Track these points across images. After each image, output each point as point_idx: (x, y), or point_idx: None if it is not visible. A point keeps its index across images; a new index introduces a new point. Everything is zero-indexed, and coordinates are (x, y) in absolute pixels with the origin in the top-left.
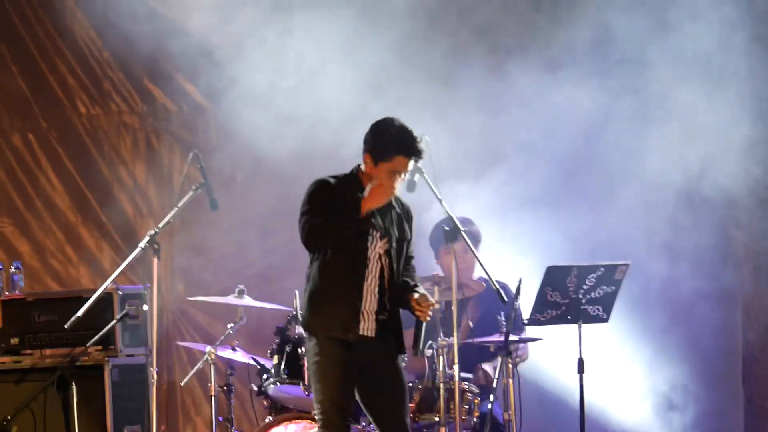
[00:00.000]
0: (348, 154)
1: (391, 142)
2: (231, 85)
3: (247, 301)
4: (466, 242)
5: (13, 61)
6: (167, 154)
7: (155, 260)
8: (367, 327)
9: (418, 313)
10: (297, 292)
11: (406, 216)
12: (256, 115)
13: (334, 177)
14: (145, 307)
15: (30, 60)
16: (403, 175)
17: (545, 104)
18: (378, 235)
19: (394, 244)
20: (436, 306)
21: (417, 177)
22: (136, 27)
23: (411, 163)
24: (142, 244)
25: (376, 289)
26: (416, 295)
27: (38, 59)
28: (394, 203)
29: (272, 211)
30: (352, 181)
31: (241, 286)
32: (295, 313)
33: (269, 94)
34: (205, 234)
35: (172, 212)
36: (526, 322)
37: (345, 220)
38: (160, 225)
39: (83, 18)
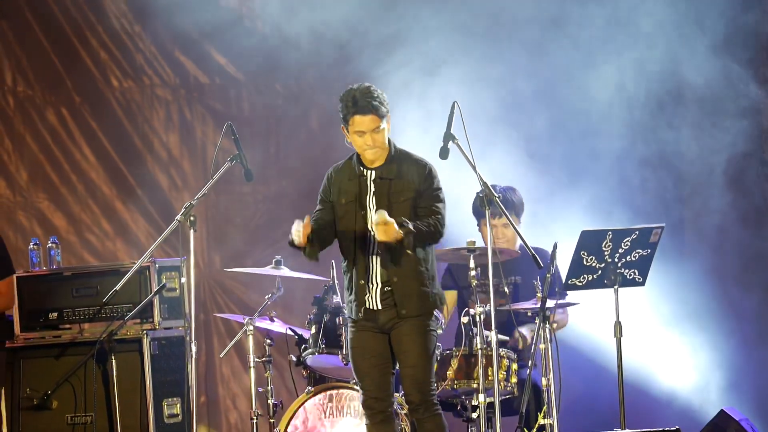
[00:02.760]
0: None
1: (344, 107)
2: (264, 56)
3: (284, 271)
4: (500, 208)
5: (45, 37)
6: (200, 126)
7: (191, 232)
8: (372, 300)
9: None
10: (333, 262)
11: (413, 171)
12: (289, 86)
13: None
14: (183, 280)
15: (62, 35)
16: (371, 133)
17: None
18: (361, 208)
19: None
20: (378, 219)
21: (450, 144)
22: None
23: (371, 118)
24: (178, 217)
25: (377, 260)
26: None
27: (70, 34)
28: (395, 164)
29: (307, 181)
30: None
31: (278, 257)
32: (332, 282)
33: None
34: (240, 205)
35: (208, 184)
36: (562, 286)
37: None
38: (196, 197)
39: None
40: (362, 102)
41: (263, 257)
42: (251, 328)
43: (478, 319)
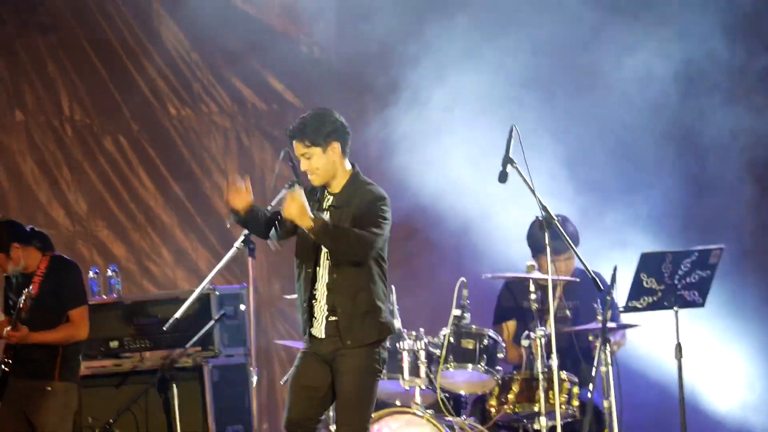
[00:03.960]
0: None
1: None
2: (320, 82)
3: None
4: (559, 231)
5: (103, 66)
6: (258, 153)
7: (250, 260)
8: (318, 327)
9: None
10: (393, 287)
11: (360, 200)
12: (347, 112)
13: None
14: (243, 307)
15: (119, 63)
16: (303, 159)
17: None
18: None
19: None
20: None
21: (509, 168)
22: (224, 27)
23: (298, 144)
24: (237, 244)
25: (324, 286)
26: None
27: (127, 62)
28: (348, 194)
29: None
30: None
31: None
32: (391, 308)
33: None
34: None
35: (266, 210)
36: (622, 309)
37: None
38: None
39: (171, 21)
40: (295, 127)
41: None
42: None
43: (539, 342)
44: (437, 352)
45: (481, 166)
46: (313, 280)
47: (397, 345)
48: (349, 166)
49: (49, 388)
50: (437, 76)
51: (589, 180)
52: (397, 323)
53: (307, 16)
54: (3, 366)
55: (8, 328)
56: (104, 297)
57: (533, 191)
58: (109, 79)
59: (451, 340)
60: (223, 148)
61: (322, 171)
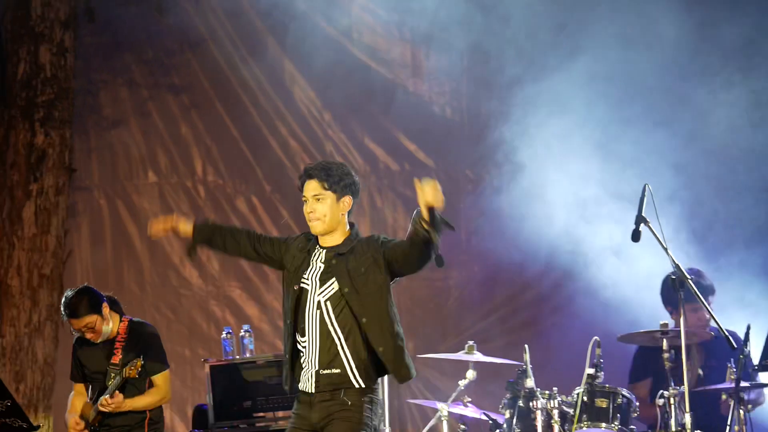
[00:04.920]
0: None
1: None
2: (453, 143)
3: (477, 356)
4: (693, 291)
5: (235, 126)
6: (391, 212)
7: None
8: (308, 382)
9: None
10: (526, 346)
11: (365, 247)
12: (478, 171)
13: None
14: None
15: (251, 124)
16: (312, 199)
17: None
18: (295, 283)
19: (345, 289)
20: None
21: (642, 226)
22: (357, 87)
23: (314, 183)
24: None
25: (317, 340)
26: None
27: (259, 123)
28: (350, 245)
29: (495, 266)
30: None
31: (471, 342)
32: (525, 367)
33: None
34: (431, 291)
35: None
36: (756, 367)
37: None
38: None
39: (303, 80)
40: (317, 166)
41: (456, 342)
42: (445, 413)
43: (672, 401)
44: (571, 411)
45: (615, 224)
46: (297, 328)
47: (531, 404)
48: (348, 226)
49: None
50: (563, 132)
51: (716, 236)
52: (531, 382)
53: (439, 77)
54: None
55: (105, 396)
56: (237, 357)
57: (666, 249)
58: (242, 139)
59: (585, 398)
60: (355, 208)
61: (328, 219)
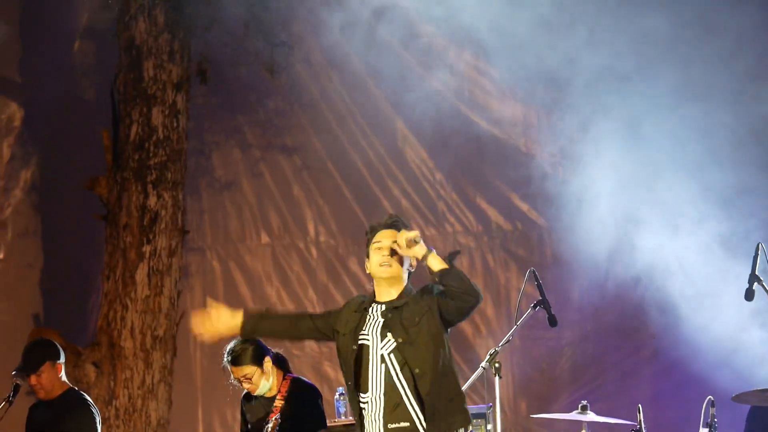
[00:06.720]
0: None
1: (371, 228)
2: (564, 202)
3: (591, 416)
4: None
5: (346, 186)
6: (503, 272)
7: (496, 379)
8: None
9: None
10: (640, 406)
11: (417, 299)
12: (591, 230)
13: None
14: (489, 427)
15: (363, 184)
16: (384, 248)
17: None
18: (353, 343)
19: (400, 339)
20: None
21: (756, 285)
22: (468, 148)
23: (392, 232)
24: (483, 363)
25: (382, 394)
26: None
27: (371, 183)
28: (404, 297)
29: (605, 326)
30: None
31: (584, 402)
32: (638, 427)
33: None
34: (544, 350)
35: (512, 330)
36: None
37: None
38: (500, 344)
39: (414, 140)
40: (401, 219)
41: (569, 402)
42: None
43: None
44: None
45: (730, 284)
46: (360, 390)
47: None
48: (405, 281)
49: None
50: (677, 198)
51: None
52: None
53: (552, 136)
54: None
55: None
56: (350, 418)
57: None
58: (353, 199)
59: None
60: (468, 268)
61: (401, 268)
